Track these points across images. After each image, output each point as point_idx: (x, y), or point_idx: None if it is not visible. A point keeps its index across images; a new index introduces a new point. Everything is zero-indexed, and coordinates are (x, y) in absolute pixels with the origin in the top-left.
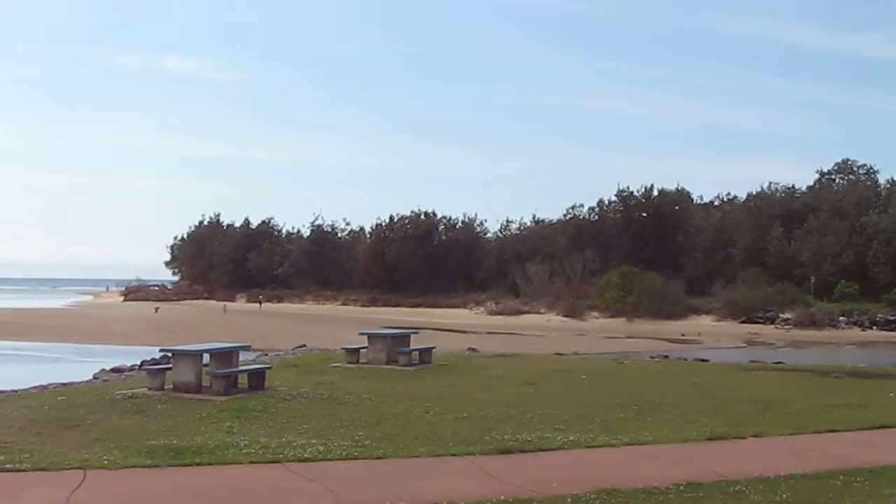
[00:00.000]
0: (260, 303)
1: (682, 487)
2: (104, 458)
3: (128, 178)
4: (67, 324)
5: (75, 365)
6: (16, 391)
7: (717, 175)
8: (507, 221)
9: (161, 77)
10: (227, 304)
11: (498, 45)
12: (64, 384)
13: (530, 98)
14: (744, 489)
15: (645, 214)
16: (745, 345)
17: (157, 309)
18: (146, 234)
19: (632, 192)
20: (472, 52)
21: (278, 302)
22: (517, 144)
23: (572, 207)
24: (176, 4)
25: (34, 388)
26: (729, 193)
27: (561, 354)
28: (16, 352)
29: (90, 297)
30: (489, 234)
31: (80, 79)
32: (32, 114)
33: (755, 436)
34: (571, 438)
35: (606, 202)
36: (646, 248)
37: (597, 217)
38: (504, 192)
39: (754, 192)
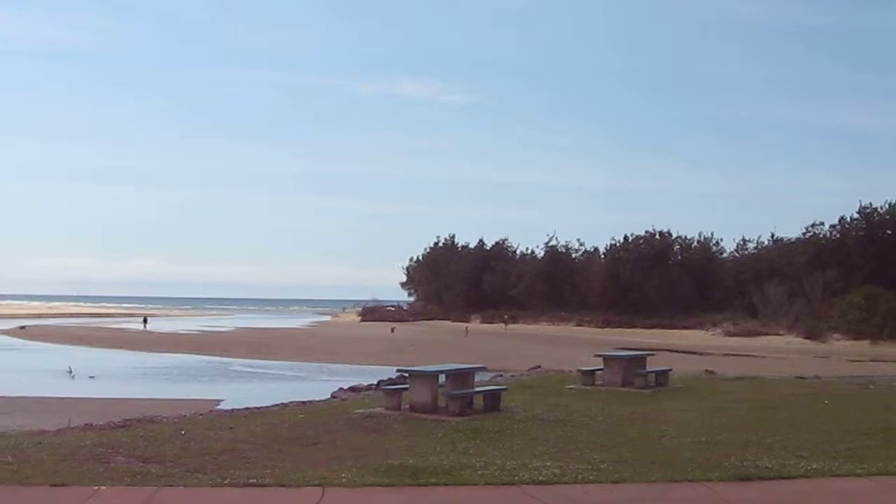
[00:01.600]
0: (506, 323)
1: None
2: (342, 475)
3: (363, 201)
4: (306, 343)
5: (314, 384)
6: (258, 408)
7: None
8: (744, 240)
9: (394, 102)
10: (467, 325)
11: (720, 60)
12: (303, 402)
13: (764, 114)
14: None
15: (889, 232)
16: None
17: (393, 329)
18: (382, 256)
19: (875, 209)
20: (694, 69)
21: (513, 323)
22: (752, 162)
23: (812, 226)
24: (407, 30)
25: (275, 405)
26: None
27: (802, 378)
28: (259, 370)
29: (328, 318)
30: (725, 254)
31: (318, 106)
32: (276, 138)
33: None
34: (814, 466)
35: (848, 220)
36: (891, 268)
37: (838, 235)
38: (740, 210)
39: None
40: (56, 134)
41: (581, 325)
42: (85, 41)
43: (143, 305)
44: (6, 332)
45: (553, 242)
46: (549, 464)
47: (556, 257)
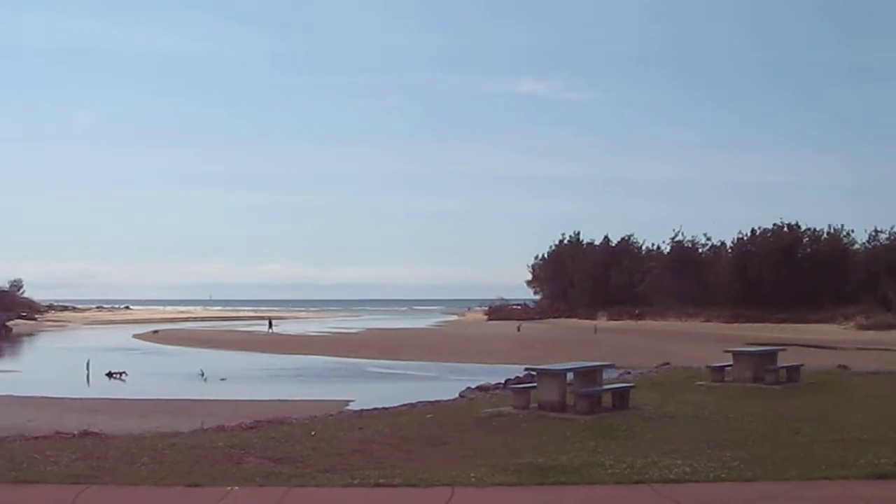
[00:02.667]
0: (637, 318)
1: None
2: (471, 475)
3: (487, 200)
4: (434, 343)
5: (442, 383)
6: (387, 409)
7: None
8: (876, 231)
9: (514, 100)
10: (594, 322)
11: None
12: (432, 402)
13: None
14: None
15: None
16: None
17: (519, 327)
18: (508, 254)
19: None
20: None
21: (639, 319)
22: (884, 152)
23: None
24: (525, 29)
25: (404, 405)
26: None
27: None
28: (387, 370)
29: (455, 317)
30: (856, 246)
31: (438, 106)
32: (397, 141)
33: None
34: None
35: None
36: None
37: None
38: (871, 200)
39: None
40: (188, 142)
41: (709, 321)
42: (209, 50)
43: (272, 308)
44: (141, 337)
45: (679, 237)
46: (679, 462)
47: (683, 252)
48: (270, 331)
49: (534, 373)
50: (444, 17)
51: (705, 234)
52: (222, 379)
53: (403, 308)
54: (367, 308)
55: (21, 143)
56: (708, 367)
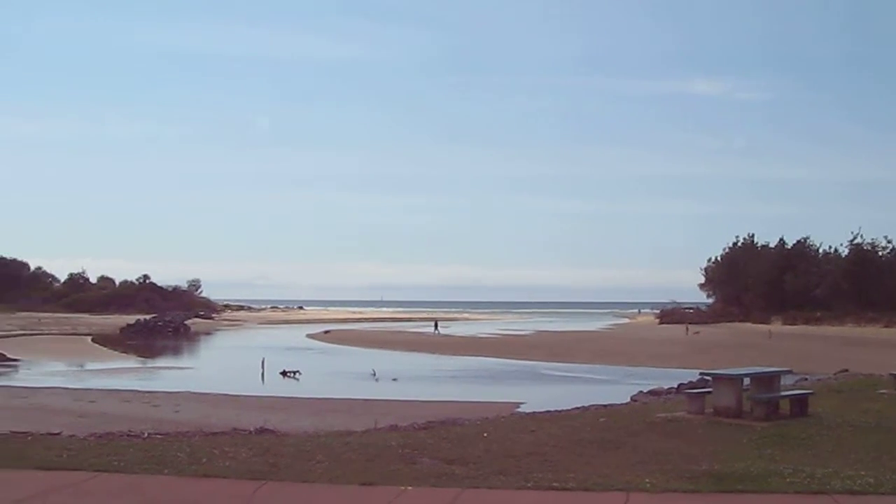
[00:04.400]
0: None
1: None
2: (646, 480)
3: (661, 202)
4: (604, 346)
5: (613, 386)
6: (559, 411)
7: None
8: None
9: (686, 101)
10: (769, 327)
11: None
12: (604, 405)
13: None
14: None
15: None
16: None
17: (688, 330)
18: (681, 257)
19: None
20: None
21: (816, 324)
22: None
23: None
24: (699, 29)
25: (576, 408)
26: None
27: None
28: (557, 373)
29: (626, 320)
30: None
31: (589, 109)
32: (547, 144)
33: None
34: None
35: None
36: None
37: None
38: None
39: None
40: (355, 145)
41: (890, 327)
42: (366, 54)
43: (441, 310)
44: (314, 337)
45: (858, 240)
46: (862, 473)
47: (862, 256)
48: (436, 332)
49: (709, 377)
50: (592, 18)
51: (886, 237)
52: (394, 379)
53: (572, 310)
54: (536, 310)
55: (199, 147)
56: (891, 374)
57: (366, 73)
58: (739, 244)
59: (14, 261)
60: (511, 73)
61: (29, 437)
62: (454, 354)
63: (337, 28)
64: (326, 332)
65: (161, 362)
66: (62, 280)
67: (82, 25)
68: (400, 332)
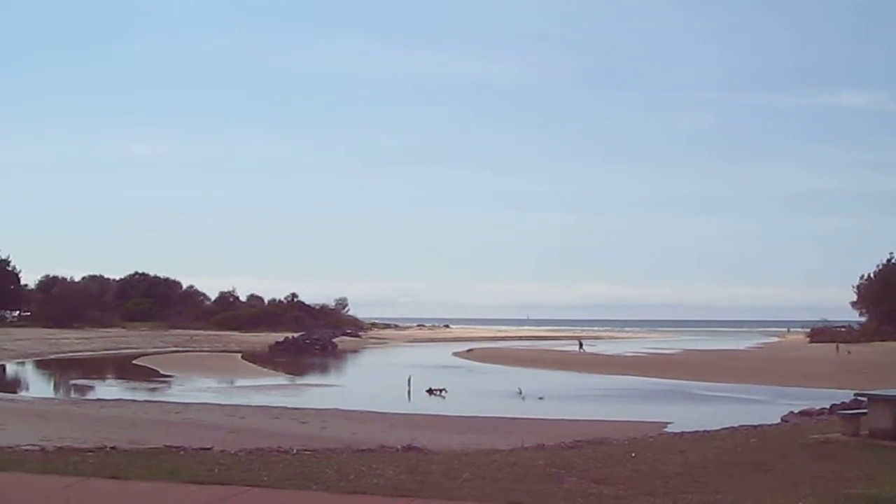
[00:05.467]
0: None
1: None
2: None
3: (811, 217)
4: (753, 365)
5: (763, 406)
6: (707, 431)
7: None
8: None
9: (835, 114)
10: None
11: None
12: (754, 426)
13: None
14: None
15: None
16: None
17: (838, 348)
18: (830, 275)
19: None
20: None
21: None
22: None
23: None
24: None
25: (725, 429)
26: None
27: None
28: (704, 392)
29: (775, 339)
30: None
31: (736, 124)
32: (693, 161)
33: None
34: None
35: None
36: None
37: None
38: None
39: None
40: (500, 163)
41: None
42: (518, 73)
43: (585, 328)
44: (459, 355)
45: None
46: None
47: None
48: (581, 350)
49: (864, 398)
50: (739, 33)
51: None
52: (540, 398)
53: (719, 329)
54: (682, 328)
55: (348, 166)
56: None
57: (518, 92)
58: (894, 261)
59: (167, 280)
60: (660, 90)
61: (182, 452)
62: (599, 373)
63: (489, 49)
64: (469, 350)
65: (309, 379)
66: (213, 298)
67: (274, 49)
68: (545, 350)
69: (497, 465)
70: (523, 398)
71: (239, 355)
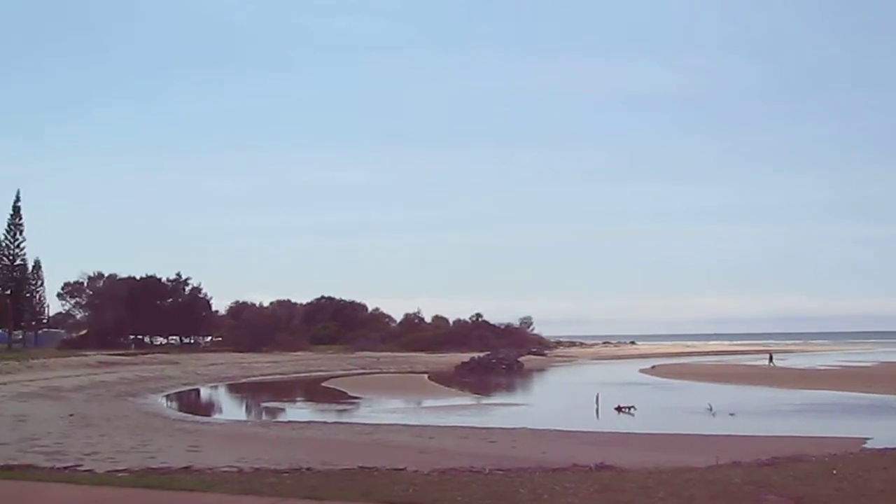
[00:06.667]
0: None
1: None
2: None
3: None
4: None
5: None
6: None
7: None
8: None
9: None
10: None
11: None
12: None
13: None
14: None
15: None
16: None
17: None
18: None
19: None
20: None
21: None
22: None
23: None
24: None
25: None
26: None
27: None
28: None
29: None
30: None
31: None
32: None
33: None
34: None
35: None
36: None
37: None
38: None
39: None
40: (679, 175)
41: None
42: (694, 83)
43: (775, 341)
44: (646, 371)
45: None
46: None
47: None
48: (771, 364)
49: None
50: None
51: None
52: (731, 414)
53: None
54: (877, 340)
55: (494, 188)
56: None
57: (700, 102)
58: None
59: (352, 303)
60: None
61: (376, 472)
62: (792, 388)
63: (670, 59)
64: (653, 367)
65: (495, 399)
66: (398, 320)
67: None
68: (733, 365)
69: (692, 483)
70: (714, 414)
71: (425, 376)
